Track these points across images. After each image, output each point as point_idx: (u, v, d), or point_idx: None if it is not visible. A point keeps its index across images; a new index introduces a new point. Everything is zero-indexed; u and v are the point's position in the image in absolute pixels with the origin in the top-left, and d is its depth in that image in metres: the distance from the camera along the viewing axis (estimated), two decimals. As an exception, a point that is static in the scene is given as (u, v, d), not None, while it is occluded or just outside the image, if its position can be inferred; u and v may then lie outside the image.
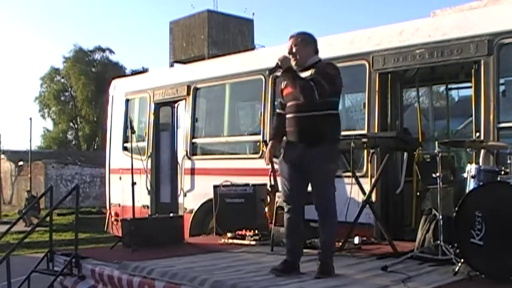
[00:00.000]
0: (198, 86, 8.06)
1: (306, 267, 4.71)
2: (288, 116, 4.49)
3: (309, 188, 4.53)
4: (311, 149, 4.32)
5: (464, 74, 6.57)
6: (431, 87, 8.48)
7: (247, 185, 6.52)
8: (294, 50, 4.49)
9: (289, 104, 4.50)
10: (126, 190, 8.05)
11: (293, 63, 4.45)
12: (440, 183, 4.57)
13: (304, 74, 4.41)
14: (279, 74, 4.63)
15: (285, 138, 4.58)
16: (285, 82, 4.55)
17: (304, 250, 5.32)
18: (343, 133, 6.15)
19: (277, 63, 4.43)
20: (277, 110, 4.76)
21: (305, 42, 4.53)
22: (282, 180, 4.58)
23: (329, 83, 4.30)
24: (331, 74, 4.37)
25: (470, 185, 4.49)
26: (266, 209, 6.33)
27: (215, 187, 6.78)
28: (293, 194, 4.49)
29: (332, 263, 4.40)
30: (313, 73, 4.37)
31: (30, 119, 25.93)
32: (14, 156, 28.75)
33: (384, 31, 6.29)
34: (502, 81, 5.59)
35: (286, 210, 4.54)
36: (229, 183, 6.81)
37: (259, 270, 4.56)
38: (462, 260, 4.13)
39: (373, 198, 5.66)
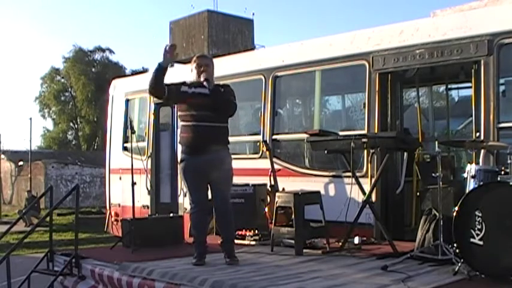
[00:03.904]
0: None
1: (305, 267, 4.71)
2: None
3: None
4: None
5: (464, 74, 6.57)
6: (431, 87, 8.48)
7: (247, 185, 6.51)
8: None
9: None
10: (126, 190, 8.04)
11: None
12: (440, 183, 4.56)
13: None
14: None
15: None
16: None
17: (304, 250, 5.34)
18: (343, 133, 6.22)
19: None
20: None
21: None
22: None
23: None
24: None
25: (470, 185, 4.48)
26: (266, 209, 6.34)
27: (215, 187, 6.76)
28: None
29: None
30: None
31: (30, 119, 26.09)
32: (14, 156, 28.78)
33: (384, 31, 6.29)
34: (502, 81, 5.58)
35: None
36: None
37: (258, 270, 4.56)
38: (462, 260, 4.13)
39: (373, 198, 5.66)
